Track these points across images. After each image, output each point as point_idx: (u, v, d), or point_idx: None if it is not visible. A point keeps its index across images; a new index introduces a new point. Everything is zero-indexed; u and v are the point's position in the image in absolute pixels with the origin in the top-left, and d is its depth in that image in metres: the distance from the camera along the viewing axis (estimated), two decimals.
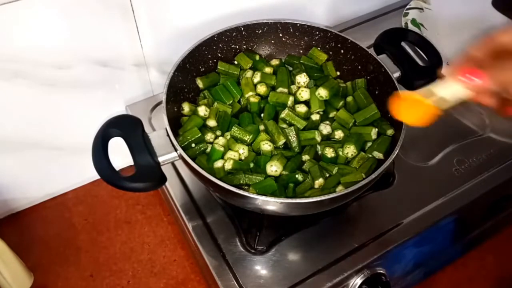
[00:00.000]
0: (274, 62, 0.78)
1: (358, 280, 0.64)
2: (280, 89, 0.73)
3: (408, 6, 0.94)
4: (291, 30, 0.77)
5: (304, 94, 0.72)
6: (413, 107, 0.51)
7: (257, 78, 0.74)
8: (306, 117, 0.71)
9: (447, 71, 0.48)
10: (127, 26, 0.70)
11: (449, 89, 0.48)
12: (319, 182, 0.63)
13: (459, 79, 0.46)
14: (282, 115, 0.69)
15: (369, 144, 0.68)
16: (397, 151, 0.59)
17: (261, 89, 0.73)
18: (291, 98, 0.71)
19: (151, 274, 0.74)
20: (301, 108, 0.70)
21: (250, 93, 0.73)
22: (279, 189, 0.61)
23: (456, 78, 0.47)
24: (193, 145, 0.65)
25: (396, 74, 0.69)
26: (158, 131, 0.61)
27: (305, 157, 0.66)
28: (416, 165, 0.75)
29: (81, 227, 0.80)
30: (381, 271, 0.66)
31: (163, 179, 0.58)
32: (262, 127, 0.69)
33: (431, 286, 0.79)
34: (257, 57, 0.78)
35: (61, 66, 0.68)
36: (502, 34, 0.47)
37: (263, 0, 0.84)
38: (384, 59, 0.70)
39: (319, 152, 0.67)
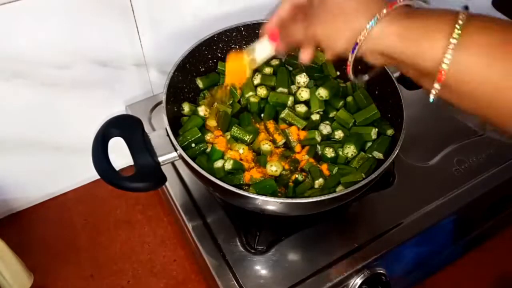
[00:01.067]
0: (274, 62, 0.78)
1: (358, 280, 0.64)
2: (280, 89, 0.73)
3: None
4: None
5: (304, 94, 0.72)
6: (235, 67, 0.56)
7: (257, 80, 0.74)
8: (306, 117, 0.70)
9: (260, 31, 0.54)
10: (127, 26, 0.70)
11: (261, 47, 0.54)
12: (319, 182, 0.63)
13: (265, 38, 0.53)
14: (282, 115, 0.69)
15: (369, 144, 0.68)
16: (397, 151, 0.59)
17: (261, 92, 0.73)
18: (291, 98, 0.71)
19: (151, 274, 0.74)
20: (301, 108, 0.70)
21: (250, 93, 0.73)
22: (279, 189, 0.61)
23: (264, 37, 0.53)
24: (193, 145, 0.65)
25: (396, 74, 0.69)
26: (158, 131, 0.61)
27: (305, 157, 0.66)
28: (416, 165, 0.75)
29: (81, 227, 0.80)
30: (381, 271, 0.66)
31: (163, 179, 0.58)
32: (262, 127, 0.69)
33: (431, 286, 0.79)
34: None
35: (61, 66, 0.68)
36: None
37: (263, 0, 0.84)
38: None
39: (319, 152, 0.67)
